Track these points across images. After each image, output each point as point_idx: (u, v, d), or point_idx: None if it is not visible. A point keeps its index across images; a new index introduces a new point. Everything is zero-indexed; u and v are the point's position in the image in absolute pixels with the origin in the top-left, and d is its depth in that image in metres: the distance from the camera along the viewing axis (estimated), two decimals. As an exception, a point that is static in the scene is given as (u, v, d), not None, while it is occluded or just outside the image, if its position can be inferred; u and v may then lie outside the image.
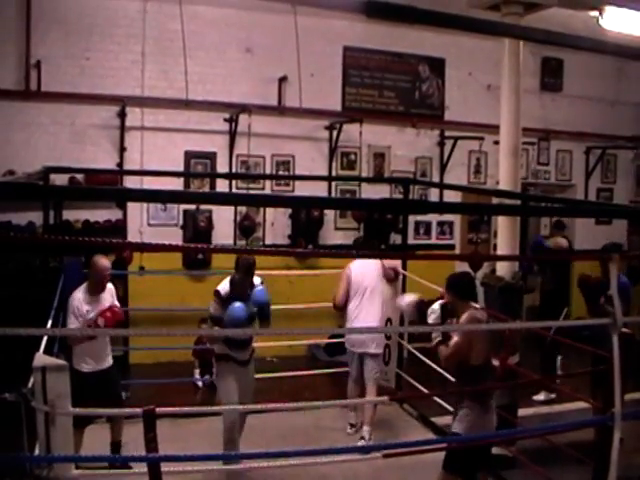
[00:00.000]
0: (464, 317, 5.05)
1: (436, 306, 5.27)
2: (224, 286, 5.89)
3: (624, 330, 4.21)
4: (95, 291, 5.91)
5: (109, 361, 6.08)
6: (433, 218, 11.15)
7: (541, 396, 8.64)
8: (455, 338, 4.97)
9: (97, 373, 5.89)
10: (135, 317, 8.82)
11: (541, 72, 12.05)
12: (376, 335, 7.02)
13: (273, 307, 6.09)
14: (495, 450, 6.42)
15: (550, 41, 7.03)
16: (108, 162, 9.07)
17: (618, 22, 6.17)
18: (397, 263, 7.52)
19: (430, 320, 5.30)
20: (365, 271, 7.08)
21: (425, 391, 7.20)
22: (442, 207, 7.88)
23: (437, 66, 11.27)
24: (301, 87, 9.91)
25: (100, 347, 5.96)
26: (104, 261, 6.00)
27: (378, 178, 10.69)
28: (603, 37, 5.86)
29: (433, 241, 11.21)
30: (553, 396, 8.49)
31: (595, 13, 7.01)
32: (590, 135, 12.36)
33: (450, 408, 6.67)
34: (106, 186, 7.88)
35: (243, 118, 9.66)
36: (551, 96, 12.07)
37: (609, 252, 5.93)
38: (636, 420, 6.89)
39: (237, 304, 5.71)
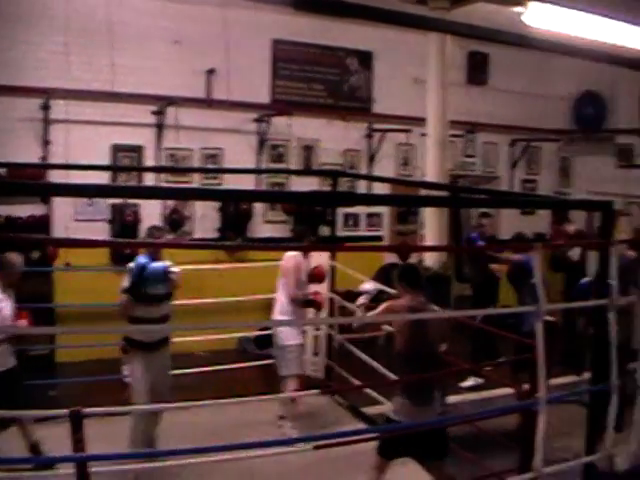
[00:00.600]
0: (382, 306, 5.22)
1: (369, 286, 5.41)
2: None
3: (548, 318, 4.32)
4: (6, 288, 5.79)
5: (12, 361, 5.93)
6: (362, 210, 11.24)
7: (469, 382, 8.82)
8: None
9: (3, 373, 5.74)
10: (62, 314, 8.63)
11: (467, 66, 12.24)
12: (281, 329, 6.93)
13: (202, 300, 6.05)
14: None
15: (475, 35, 7.14)
16: (32, 156, 8.81)
17: (541, 17, 6.31)
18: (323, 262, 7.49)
19: (361, 299, 5.45)
20: (283, 263, 7.06)
21: (356, 382, 7.24)
22: (371, 199, 7.92)
23: (365, 59, 11.34)
24: (230, 80, 9.83)
25: (5, 346, 5.81)
26: (15, 257, 5.87)
27: (307, 171, 10.71)
28: (527, 32, 5.98)
29: (362, 233, 11.28)
30: (481, 381, 8.66)
31: (519, 8, 7.14)
32: (515, 128, 12.64)
33: (380, 398, 6.78)
34: (30, 180, 7.67)
35: (171, 111, 9.55)
36: (477, 89, 12.27)
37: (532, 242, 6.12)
38: (561, 404, 7.12)
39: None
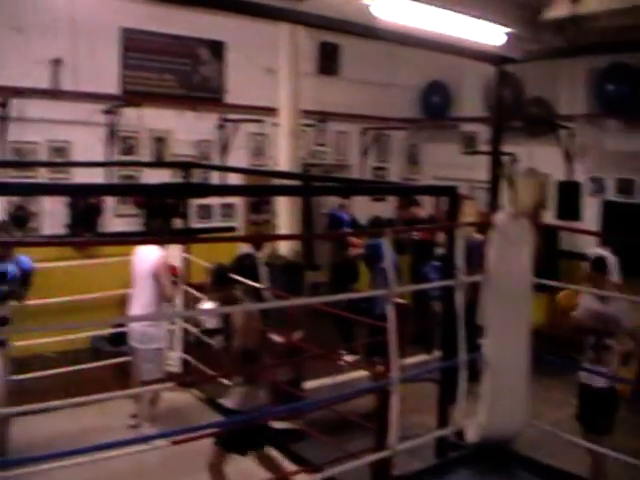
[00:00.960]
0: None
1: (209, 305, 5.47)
2: None
3: (398, 300, 4.42)
4: None
5: None
6: (215, 201, 11.11)
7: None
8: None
9: None
10: None
11: (318, 56, 12.36)
12: (149, 329, 6.75)
13: (51, 300, 5.81)
14: (282, 425, 6.57)
15: (326, 26, 7.20)
16: None
17: (388, 9, 6.44)
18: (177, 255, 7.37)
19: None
20: (142, 258, 6.90)
21: (211, 374, 7.16)
22: (224, 190, 7.86)
23: (217, 49, 11.20)
24: (77, 70, 9.45)
25: None
26: None
27: (159, 162, 10.46)
28: (376, 24, 6.09)
29: (216, 224, 11.18)
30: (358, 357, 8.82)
31: (368, 1, 7.26)
32: (365, 117, 12.88)
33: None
34: None
35: (14, 102, 9.07)
36: (328, 79, 12.40)
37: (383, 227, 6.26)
38: (414, 382, 7.33)
39: None
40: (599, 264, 6.60)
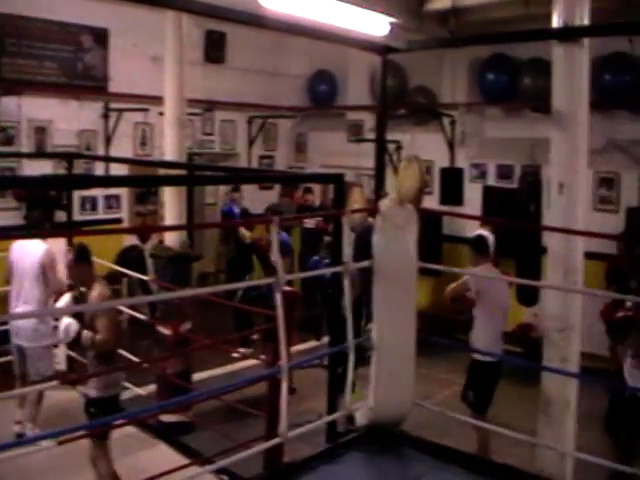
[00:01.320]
0: (94, 294, 5.23)
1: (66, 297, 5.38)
2: None
3: (287, 288, 4.42)
4: None
5: None
6: (99, 192, 10.81)
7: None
8: (102, 322, 5.10)
9: None
10: None
11: (205, 44, 12.20)
12: (41, 326, 6.54)
13: None
14: (172, 418, 6.51)
15: (211, 14, 7.09)
16: None
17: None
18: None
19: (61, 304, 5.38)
20: (26, 253, 6.64)
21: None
22: (108, 181, 7.66)
23: (100, 36, 10.84)
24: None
25: None
26: None
27: (40, 153, 10.09)
28: (262, 12, 6.05)
29: (100, 216, 10.87)
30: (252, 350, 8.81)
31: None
32: (252, 105, 12.82)
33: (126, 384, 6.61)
34: None
35: None
36: (215, 68, 12.26)
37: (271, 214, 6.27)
38: (306, 369, 7.38)
39: None
40: (479, 245, 6.85)
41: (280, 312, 3.84)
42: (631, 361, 6.08)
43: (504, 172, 10.89)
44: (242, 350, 8.88)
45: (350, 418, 4.51)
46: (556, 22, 5.26)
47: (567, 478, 4.92)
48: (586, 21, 5.19)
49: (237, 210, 10.06)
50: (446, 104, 11.17)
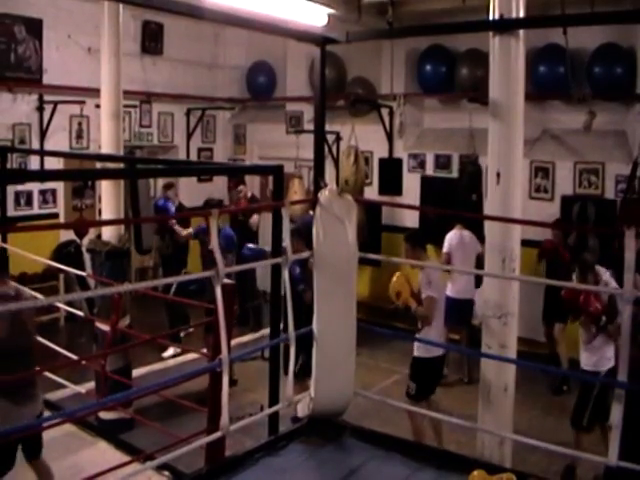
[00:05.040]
0: None
1: None
2: None
3: (226, 281, 4.39)
4: None
5: None
6: (34, 187, 10.50)
7: (169, 352, 8.87)
8: None
9: None
10: None
11: (142, 35, 12.00)
12: None
13: None
14: (111, 415, 6.41)
15: (147, 5, 6.96)
16: None
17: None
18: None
19: None
20: None
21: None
22: (43, 175, 7.50)
23: (34, 27, 10.52)
24: None
25: None
26: None
27: (-31, 148, 9.82)
28: (200, 3, 5.98)
29: (36, 211, 10.58)
30: (179, 350, 8.75)
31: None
32: (190, 97, 12.68)
33: (62, 381, 6.48)
34: None
35: None
36: (152, 59, 12.10)
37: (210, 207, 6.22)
38: (246, 362, 7.36)
39: None
40: (418, 239, 6.92)
41: (220, 305, 3.81)
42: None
43: (442, 162, 10.99)
44: (172, 347, 8.85)
45: (293, 408, 4.53)
46: (492, 14, 5.32)
47: (506, 461, 5.00)
48: (522, 13, 5.26)
49: (172, 207, 9.86)
50: (385, 95, 11.20)
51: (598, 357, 6.08)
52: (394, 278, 6.48)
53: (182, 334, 9.58)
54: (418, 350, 6.52)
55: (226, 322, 3.98)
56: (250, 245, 9.44)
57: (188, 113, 12.98)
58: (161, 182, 10.81)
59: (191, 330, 9.36)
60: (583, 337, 6.20)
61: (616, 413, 3.58)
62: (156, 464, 4.33)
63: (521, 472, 3.87)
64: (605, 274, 6.24)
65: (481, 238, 8.13)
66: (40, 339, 6.73)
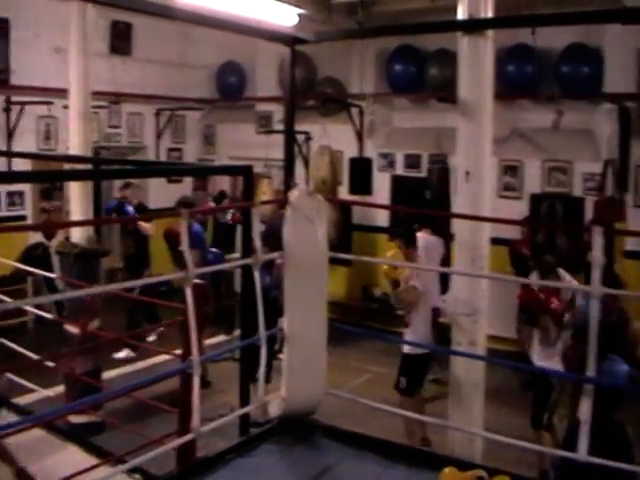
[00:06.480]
0: None
1: None
2: None
3: (197, 281, 4.37)
4: None
5: None
6: (1, 189, 10.43)
7: (122, 354, 8.82)
8: None
9: None
10: None
11: (110, 35, 11.93)
12: None
13: None
14: (81, 419, 6.35)
15: (116, 4, 6.95)
16: None
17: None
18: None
19: None
20: None
21: None
22: (11, 176, 7.40)
23: (0, 27, 10.42)
24: None
25: None
26: None
27: (-64, 150, 9.71)
28: (170, 3, 5.96)
29: (3, 213, 10.52)
30: (134, 354, 8.71)
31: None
32: (160, 97, 12.62)
33: (30, 385, 6.41)
34: None
35: None
36: (121, 59, 12.02)
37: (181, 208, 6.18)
38: (220, 363, 7.33)
39: None
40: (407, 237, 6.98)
41: (190, 306, 3.79)
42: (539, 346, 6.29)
43: (412, 161, 11.06)
44: (125, 351, 8.82)
45: (263, 409, 4.51)
46: (461, 14, 5.36)
47: (476, 458, 5.03)
48: (490, 13, 5.30)
49: (130, 208, 9.69)
50: (354, 95, 11.23)
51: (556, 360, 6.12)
52: (388, 254, 6.59)
53: (153, 337, 9.54)
54: (407, 347, 6.62)
55: (197, 323, 3.96)
56: (212, 249, 9.45)
57: (158, 113, 12.93)
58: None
59: (161, 330, 9.32)
60: (540, 339, 6.28)
61: (585, 408, 3.62)
62: (127, 467, 4.29)
63: (492, 468, 3.88)
64: (567, 276, 6.31)
65: (449, 237, 8.22)
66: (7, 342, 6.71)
